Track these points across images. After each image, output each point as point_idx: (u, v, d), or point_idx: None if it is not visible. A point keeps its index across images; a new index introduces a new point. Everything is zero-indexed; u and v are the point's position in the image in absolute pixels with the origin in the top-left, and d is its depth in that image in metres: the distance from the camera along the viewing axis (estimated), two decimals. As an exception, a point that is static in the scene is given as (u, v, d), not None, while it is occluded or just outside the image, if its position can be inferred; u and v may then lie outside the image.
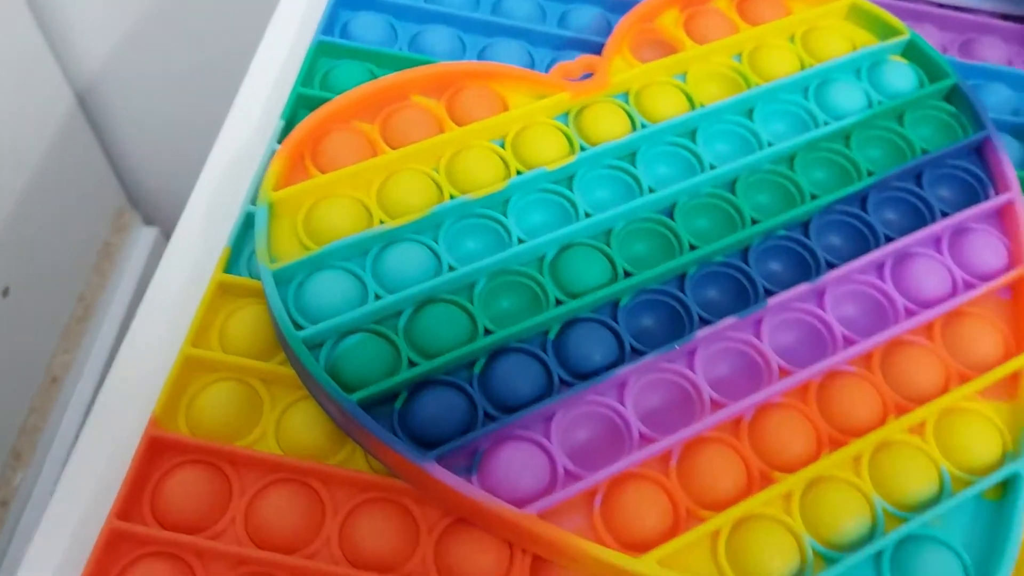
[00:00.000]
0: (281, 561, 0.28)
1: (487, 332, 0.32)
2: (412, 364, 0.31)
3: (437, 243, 0.33)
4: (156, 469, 0.30)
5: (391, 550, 0.29)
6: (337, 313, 0.31)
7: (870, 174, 0.37)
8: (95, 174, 0.81)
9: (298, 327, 0.31)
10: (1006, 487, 0.31)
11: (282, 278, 0.32)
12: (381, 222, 0.34)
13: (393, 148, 0.35)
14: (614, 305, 0.33)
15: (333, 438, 0.31)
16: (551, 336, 0.32)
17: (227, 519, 0.30)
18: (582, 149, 0.36)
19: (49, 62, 0.71)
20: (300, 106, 0.38)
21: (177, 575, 0.28)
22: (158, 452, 0.30)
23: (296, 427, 0.31)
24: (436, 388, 0.30)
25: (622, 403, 0.31)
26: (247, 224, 0.35)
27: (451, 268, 0.33)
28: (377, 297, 0.32)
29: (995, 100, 0.42)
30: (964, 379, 0.33)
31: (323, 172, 0.34)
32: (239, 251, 0.35)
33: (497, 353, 0.31)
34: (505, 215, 0.34)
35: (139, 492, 0.30)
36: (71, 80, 0.75)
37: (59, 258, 0.76)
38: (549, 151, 0.36)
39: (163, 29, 0.74)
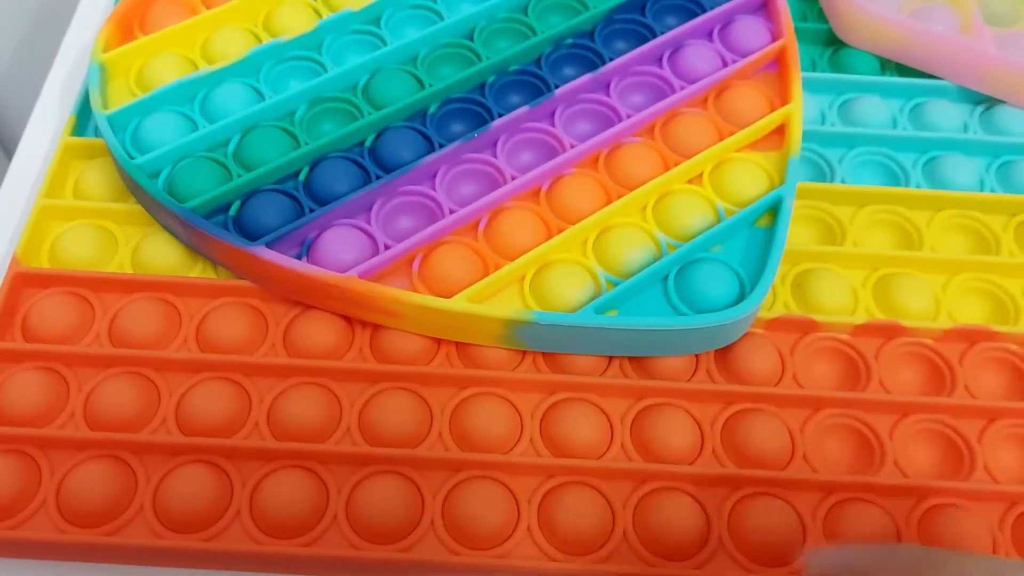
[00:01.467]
0: (144, 356, 0.32)
1: (309, 149, 0.36)
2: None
3: (259, 83, 0.37)
4: (24, 300, 0.34)
5: (244, 341, 0.33)
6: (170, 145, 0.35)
7: (650, -12, 0.41)
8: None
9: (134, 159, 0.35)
10: (775, 215, 0.35)
11: (118, 123, 0.35)
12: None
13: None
14: (423, 114, 0.37)
15: (184, 260, 0.35)
16: (367, 144, 0.36)
17: (92, 334, 0.33)
18: (389, -7, 0.40)
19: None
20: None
21: (50, 382, 0.32)
22: (23, 285, 0.34)
23: (149, 255, 0.35)
24: (264, 194, 0.34)
25: (434, 190, 0.35)
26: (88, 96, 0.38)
27: (273, 101, 0.37)
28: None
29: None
30: (736, 138, 0.37)
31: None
32: (86, 119, 0.38)
33: (319, 162, 0.35)
34: (320, 55, 0.38)
35: (9, 319, 0.33)
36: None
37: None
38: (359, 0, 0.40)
39: (51, 28, 0.76)
